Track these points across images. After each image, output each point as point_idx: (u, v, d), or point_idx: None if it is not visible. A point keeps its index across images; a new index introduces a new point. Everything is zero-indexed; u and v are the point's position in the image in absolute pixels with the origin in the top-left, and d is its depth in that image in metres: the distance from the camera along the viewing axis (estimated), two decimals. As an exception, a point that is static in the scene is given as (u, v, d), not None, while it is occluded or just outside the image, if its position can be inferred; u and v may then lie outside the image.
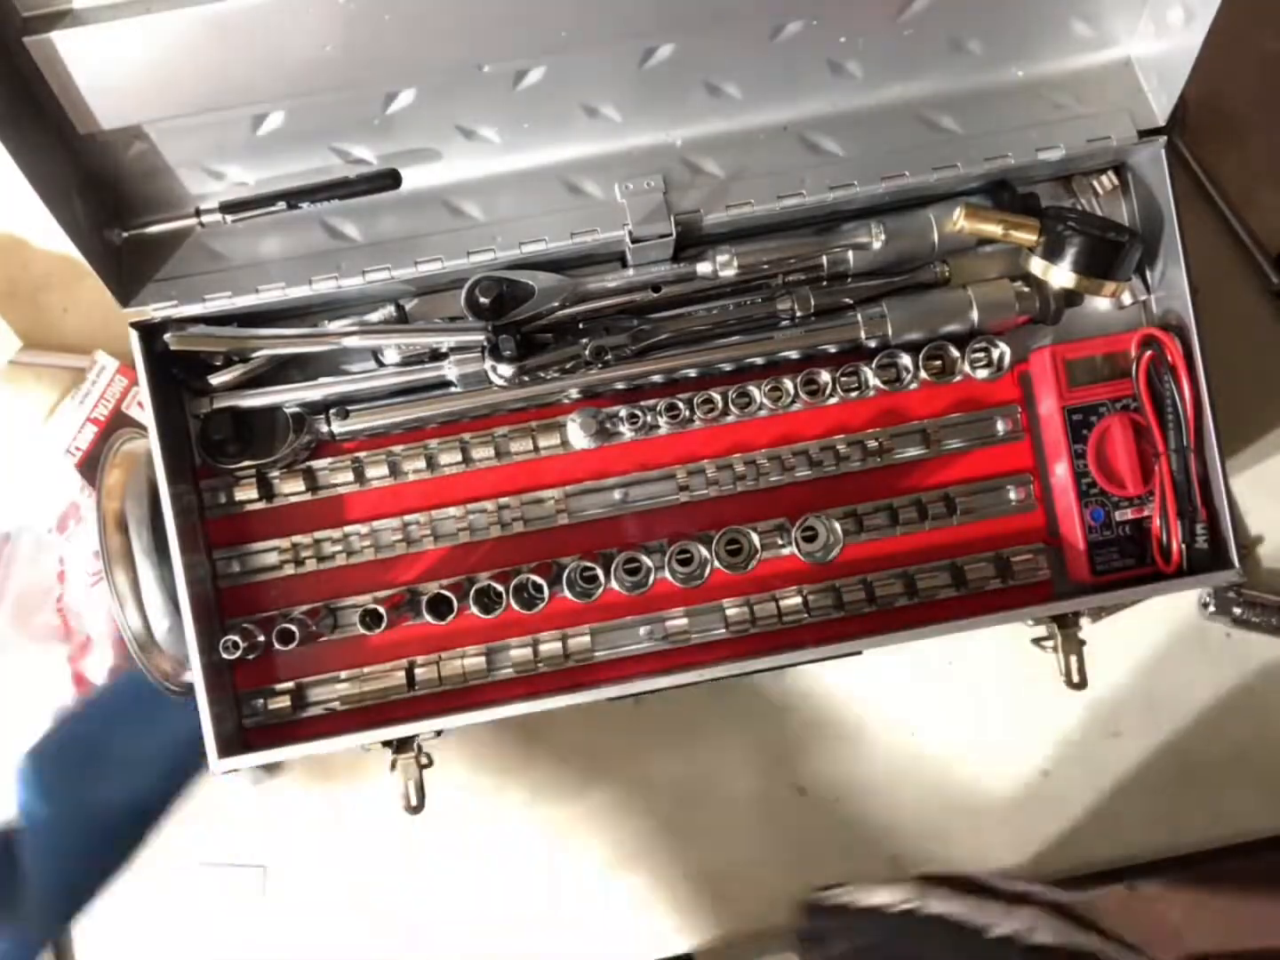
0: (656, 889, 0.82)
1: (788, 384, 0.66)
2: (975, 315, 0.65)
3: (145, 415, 0.62)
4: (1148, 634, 0.80)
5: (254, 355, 0.65)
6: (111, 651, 0.79)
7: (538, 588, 0.62)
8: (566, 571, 0.62)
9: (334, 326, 0.66)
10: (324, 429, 0.66)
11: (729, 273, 0.65)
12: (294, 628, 0.62)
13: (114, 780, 0.64)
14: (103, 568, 0.64)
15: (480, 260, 0.63)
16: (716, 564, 0.61)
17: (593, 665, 0.67)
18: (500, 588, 0.62)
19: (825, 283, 0.67)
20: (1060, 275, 0.64)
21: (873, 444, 0.67)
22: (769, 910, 0.81)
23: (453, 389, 0.66)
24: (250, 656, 0.63)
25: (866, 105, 0.66)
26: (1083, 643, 0.67)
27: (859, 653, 0.64)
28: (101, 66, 0.55)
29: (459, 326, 0.64)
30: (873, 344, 0.66)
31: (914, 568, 0.67)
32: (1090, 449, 0.66)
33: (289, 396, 0.65)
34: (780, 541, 0.66)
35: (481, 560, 0.67)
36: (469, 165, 0.65)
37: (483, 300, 0.62)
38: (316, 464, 0.67)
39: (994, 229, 0.64)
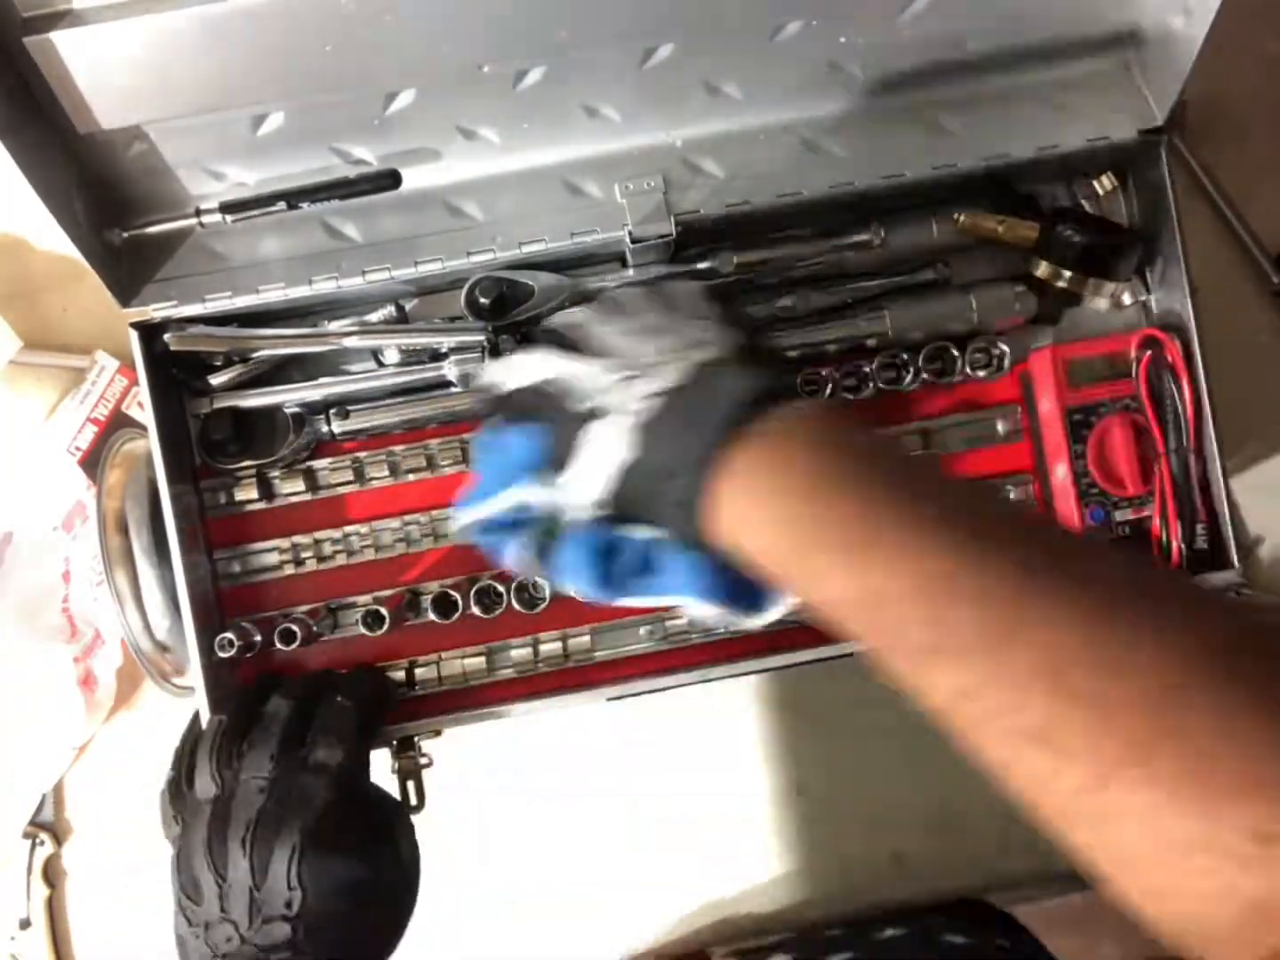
0: (646, 890, 0.82)
1: (788, 384, 0.66)
2: (975, 315, 0.65)
3: (145, 415, 0.62)
4: (1148, 634, 0.80)
5: (254, 355, 0.65)
6: (120, 650, 0.79)
7: (538, 588, 0.62)
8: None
9: (334, 326, 0.66)
10: (324, 429, 0.66)
11: (729, 272, 0.65)
12: (295, 628, 0.62)
13: None
14: (103, 568, 0.64)
15: (480, 260, 0.63)
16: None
17: (593, 665, 0.67)
18: (500, 588, 0.62)
19: (825, 283, 0.67)
20: (1060, 275, 0.64)
21: (873, 444, 0.67)
22: (768, 911, 0.82)
23: (453, 389, 0.66)
24: (247, 655, 0.63)
25: (866, 105, 0.66)
26: (1083, 643, 0.67)
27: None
28: (101, 66, 0.55)
29: (459, 326, 0.64)
30: (873, 344, 0.66)
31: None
32: (1090, 449, 0.66)
33: (289, 396, 0.65)
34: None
35: (481, 560, 0.67)
36: (469, 165, 0.65)
37: (483, 300, 0.62)
38: (316, 464, 0.67)
39: (994, 229, 0.64)
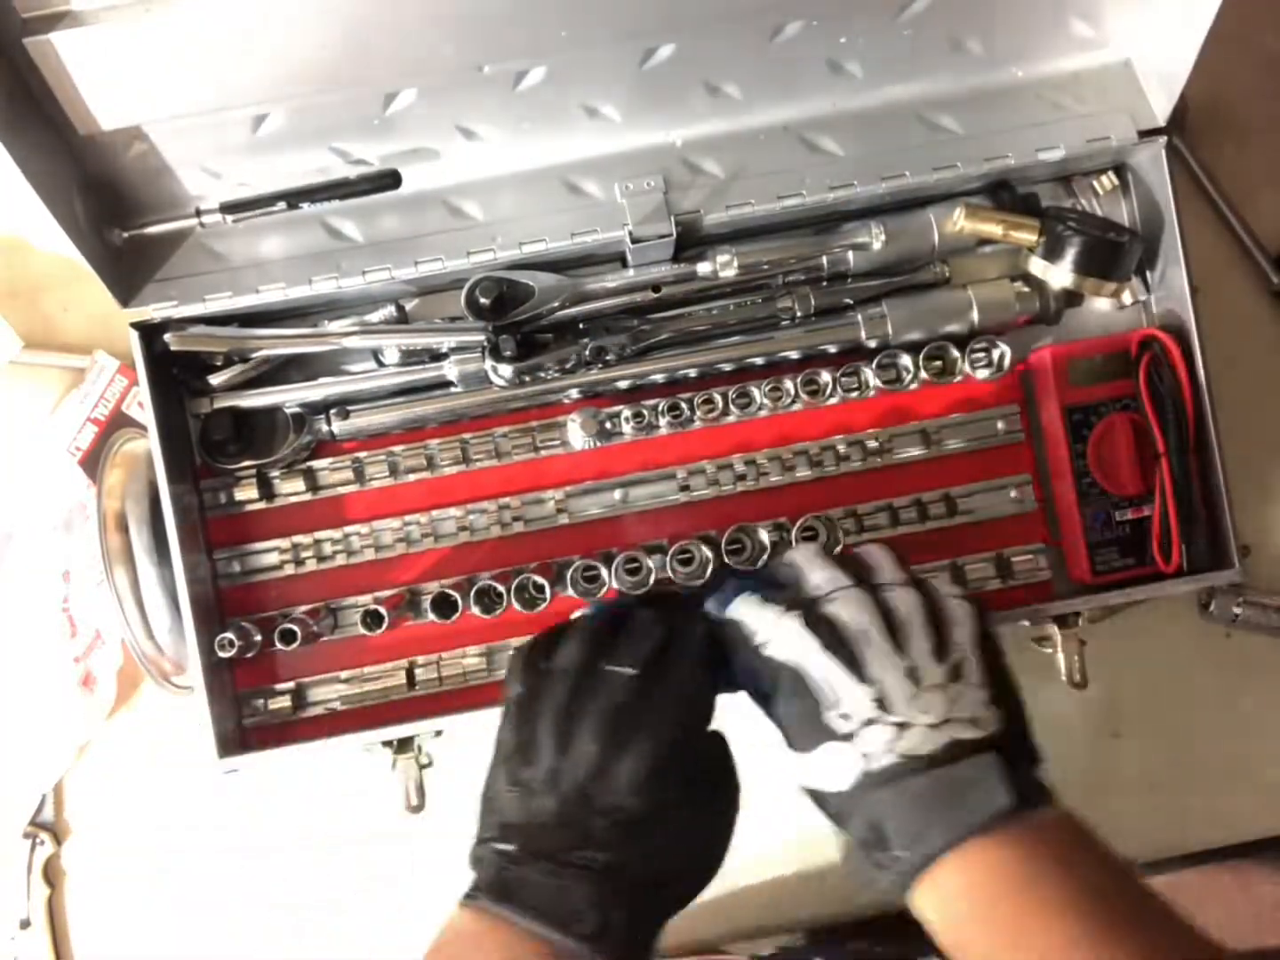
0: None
1: (788, 384, 0.66)
2: (975, 315, 0.65)
3: (145, 415, 0.63)
4: (1148, 634, 0.80)
5: (254, 355, 0.65)
6: (120, 650, 0.79)
7: (539, 588, 0.62)
8: (570, 571, 0.62)
9: (334, 326, 0.66)
10: (324, 429, 0.66)
11: (729, 273, 0.65)
12: (295, 628, 0.62)
13: None
14: (103, 568, 0.64)
15: (480, 260, 0.63)
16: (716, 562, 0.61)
17: (593, 665, 0.67)
18: (501, 588, 0.62)
19: (825, 283, 0.67)
20: (1060, 275, 0.64)
21: (873, 444, 0.67)
22: (771, 908, 0.81)
23: (453, 389, 0.66)
24: (247, 655, 0.63)
25: (866, 105, 0.66)
26: (1083, 643, 0.67)
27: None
28: (101, 66, 0.55)
29: (459, 326, 0.64)
30: (873, 344, 0.66)
31: (914, 568, 0.67)
32: (1090, 449, 0.66)
33: (289, 396, 0.65)
34: (780, 541, 0.66)
35: (482, 560, 0.67)
36: (469, 165, 0.65)
37: (483, 300, 0.62)
38: (316, 464, 0.67)
39: (994, 229, 0.64)
